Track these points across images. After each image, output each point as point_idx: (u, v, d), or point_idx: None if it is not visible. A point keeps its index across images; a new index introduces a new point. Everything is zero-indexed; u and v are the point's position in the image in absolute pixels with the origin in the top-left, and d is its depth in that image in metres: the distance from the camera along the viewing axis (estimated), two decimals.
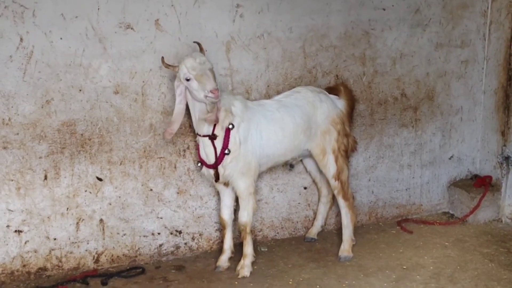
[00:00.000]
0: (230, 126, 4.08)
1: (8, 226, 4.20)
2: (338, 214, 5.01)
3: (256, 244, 4.77)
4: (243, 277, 4.28)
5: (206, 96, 3.88)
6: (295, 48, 4.71)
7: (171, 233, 4.64)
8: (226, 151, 4.09)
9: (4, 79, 4.01)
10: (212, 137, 4.09)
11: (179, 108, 4.07)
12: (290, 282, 4.21)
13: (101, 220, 4.44)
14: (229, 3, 4.45)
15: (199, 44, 4.13)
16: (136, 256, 4.57)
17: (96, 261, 4.47)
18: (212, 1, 4.41)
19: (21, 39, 4.00)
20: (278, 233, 4.97)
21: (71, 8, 4.07)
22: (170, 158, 4.53)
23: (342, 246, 4.62)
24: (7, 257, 4.24)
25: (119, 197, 4.45)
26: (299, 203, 4.99)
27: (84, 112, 4.25)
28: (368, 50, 4.93)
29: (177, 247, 4.68)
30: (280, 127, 4.27)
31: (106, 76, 4.26)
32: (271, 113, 4.28)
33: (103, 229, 4.46)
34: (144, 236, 4.57)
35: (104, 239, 4.47)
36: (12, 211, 4.19)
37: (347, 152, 4.59)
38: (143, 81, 4.35)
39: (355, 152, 4.93)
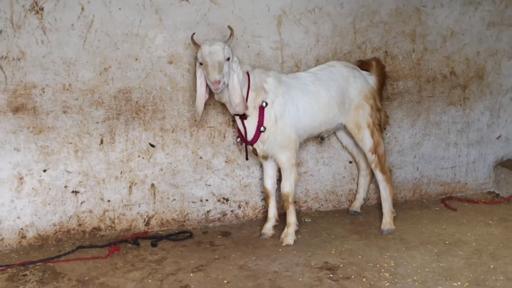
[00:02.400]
0: (264, 104, 4.18)
1: (66, 186, 4.44)
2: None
3: (300, 215, 4.91)
4: (287, 245, 4.41)
5: (210, 84, 4.01)
6: (345, 24, 4.77)
7: (219, 200, 4.81)
8: (262, 129, 4.20)
9: (66, 46, 4.22)
10: (243, 117, 4.22)
11: (201, 92, 4.18)
12: (333, 252, 4.31)
13: (152, 185, 4.63)
14: None
15: (231, 29, 4.16)
16: (184, 221, 4.76)
17: (147, 224, 4.68)
18: None
19: (83, 9, 4.19)
20: (322, 205, 5.08)
21: None
22: (220, 128, 4.68)
23: (383, 220, 4.70)
24: (64, 216, 4.49)
25: (170, 163, 4.63)
26: (343, 177, 5.08)
27: (139, 80, 4.43)
28: (418, 27, 4.94)
29: (224, 214, 4.84)
30: (315, 100, 4.36)
31: (161, 46, 4.42)
32: (306, 86, 4.36)
33: (154, 194, 4.65)
34: (192, 202, 4.74)
35: (155, 203, 4.66)
36: (70, 172, 4.42)
37: (381, 126, 4.66)
38: (196, 52, 4.49)
39: (388, 126, 5.00)
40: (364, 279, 3.87)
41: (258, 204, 4.90)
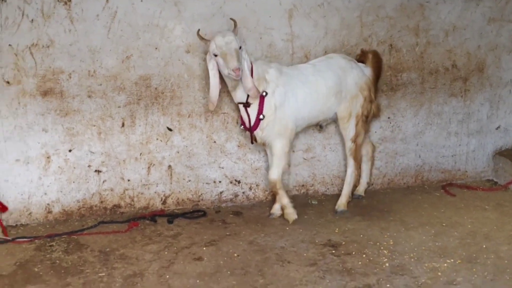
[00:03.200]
0: (264, 94, 4.44)
1: (89, 166, 4.78)
2: (386, 174, 5.41)
3: (307, 197, 5.22)
4: (294, 221, 4.71)
5: (229, 73, 4.23)
6: (352, 17, 5.06)
7: (231, 182, 5.12)
8: (261, 117, 4.46)
9: (91, 35, 4.54)
10: (246, 105, 4.47)
11: (214, 82, 4.42)
12: (336, 231, 4.61)
13: (169, 166, 4.96)
14: None
15: (234, 21, 4.41)
16: (199, 201, 5.08)
17: (164, 202, 5.01)
18: None
19: (107, 0, 4.51)
20: (328, 188, 5.37)
21: None
22: (233, 114, 4.98)
23: (339, 201, 4.99)
24: (87, 194, 4.83)
25: (186, 146, 4.95)
26: None
27: (158, 68, 4.75)
28: (422, 22, 5.21)
29: (236, 195, 5.16)
30: (314, 90, 4.61)
31: (179, 37, 4.73)
32: (305, 76, 4.62)
33: (171, 175, 4.98)
34: (206, 183, 5.07)
35: (171, 183, 4.99)
36: (93, 153, 4.76)
37: (367, 117, 4.93)
38: (206, 46, 4.78)
39: (377, 118, 5.23)
40: (364, 255, 4.18)
41: (268, 187, 5.20)
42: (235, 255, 4.24)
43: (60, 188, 4.76)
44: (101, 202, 4.87)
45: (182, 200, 5.05)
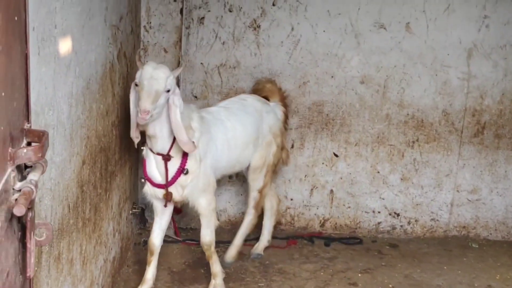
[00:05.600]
0: None
1: None
2: None
3: (467, 240, 5.11)
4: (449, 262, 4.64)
5: (137, 112, 3.44)
6: None
7: (390, 214, 5.16)
8: (184, 171, 3.71)
9: (274, 60, 4.86)
10: (167, 158, 3.67)
11: (135, 114, 3.58)
12: (497, 278, 4.48)
13: (331, 191, 5.11)
14: (477, 14, 4.81)
15: (179, 62, 3.91)
16: (356, 228, 5.18)
17: (322, 225, 5.17)
18: (461, 11, 4.80)
19: (292, 29, 4.81)
20: (491, 233, 5.21)
21: (336, 6, 4.78)
22: (400, 147, 5.04)
23: (229, 252, 4.50)
24: None
25: (350, 173, 5.08)
26: None
27: (332, 96, 4.95)
28: None
29: (393, 228, 5.18)
30: (232, 136, 4.04)
31: (355, 67, 4.90)
32: (222, 122, 4.02)
33: (332, 199, 5.13)
34: (365, 212, 5.15)
35: (331, 207, 5.14)
36: None
37: (276, 166, 4.54)
38: (387, 75, 4.91)
39: (286, 166, 4.84)
40: None
41: (427, 224, 5.16)
42: (390, 286, 4.28)
43: (228, 199, 5.10)
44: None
45: (340, 225, 5.17)
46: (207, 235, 4.00)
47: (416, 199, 5.14)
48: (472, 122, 4.98)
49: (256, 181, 4.38)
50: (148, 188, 3.80)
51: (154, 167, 3.73)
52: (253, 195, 4.44)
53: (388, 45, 4.87)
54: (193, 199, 3.86)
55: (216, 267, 4.07)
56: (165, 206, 3.87)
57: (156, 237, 3.95)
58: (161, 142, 3.63)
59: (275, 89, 4.63)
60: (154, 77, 3.40)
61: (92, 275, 3.46)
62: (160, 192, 3.77)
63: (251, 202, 4.47)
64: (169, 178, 3.70)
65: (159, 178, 3.74)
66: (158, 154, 3.66)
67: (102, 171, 3.56)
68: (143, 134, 3.72)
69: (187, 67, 4.80)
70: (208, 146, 3.84)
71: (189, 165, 3.70)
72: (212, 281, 4.08)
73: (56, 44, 2.58)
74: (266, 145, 4.31)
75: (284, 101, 4.64)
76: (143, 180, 3.81)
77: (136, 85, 3.45)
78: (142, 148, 3.79)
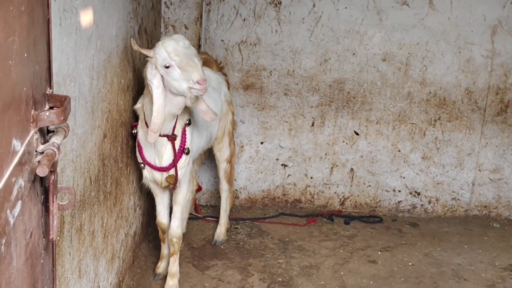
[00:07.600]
0: (187, 121, 3.55)
1: (277, 159, 5.07)
2: None
3: (489, 219, 5.06)
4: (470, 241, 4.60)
5: (190, 88, 3.17)
6: None
7: (410, 193, 5.13)
8: (186, 151, 3.55)
9: (295, 37, 4.82)
10: (172, 138, 3.49)
11: (160, 104, 3.24)
12: None
13: (351, 169, 5.09)
14: None
15: (174, 27, 3.57)
16: (376, 207, 5.16)
17: (342, 203, 5.15)
18: None
19: (314, 5, 4.76)
20: None
21: None
22: (421, 125, 4.99)
23: (219, 230, 4.49)
24: (272, 185, 5.13)
25: (370, 152, 5.05)
26: None
27: (353, 73, 4.90)
28: None
29: (414, 207, 5.15)
30: None
31: (377, 44, 4.85)
32: None
33: (352, 178, 5.11)
34: (386, 190, 5.12)
35: (351, 186, 5.12)
36: (282, 147, 5.04)
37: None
38: (409, 53, 4.85)
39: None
40: None
41: (448, 203, 5.12)
42: (410, 264, 4.27)
43: (248, 177, 5.10)
44: (284, 194, 5.14)
45: (360, 204, 5.15)
46: (179, 227, 3.70)
47: (437, 178, 5.10)
48: (496, 101, 4.92)
49: (222, 151, 4.31)
50: (147, 173, 3.65)
51: (152, 150, 3.55)
52: (223, 166, 4.38)
53: (411, 22, 4.80)
54: (180, 184, 3.66)
55: (175, 267, 3.78)
56: (173, 188, 3.67)
57: (163, 216, 3.84)
58: (167, 121, 3.37)
59: (212, 59, 4.38)
60: (185, 45, 3.22)
61: (114, 248, 3.50)
62: (160, 175, 3.59)
63: (223, 175, 4.42)
64: (167, 159, 3.53)
65: (158, 161, 3.57)
66: (164, 135, 3.45)
67: (123, 145, 3.58)
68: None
69: (207, 44, 4.79)
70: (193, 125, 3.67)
71: (188, 144, 3.57)
72: (169, 282, 3.76)
73: (77, 15, 2.58)
74: (224, 114, 4.22)
75: (222, 71, 4.45)
76: (142, 165, 3.64)
77: (167, 67, 3.17)
78: (134, 132, 3.63)
